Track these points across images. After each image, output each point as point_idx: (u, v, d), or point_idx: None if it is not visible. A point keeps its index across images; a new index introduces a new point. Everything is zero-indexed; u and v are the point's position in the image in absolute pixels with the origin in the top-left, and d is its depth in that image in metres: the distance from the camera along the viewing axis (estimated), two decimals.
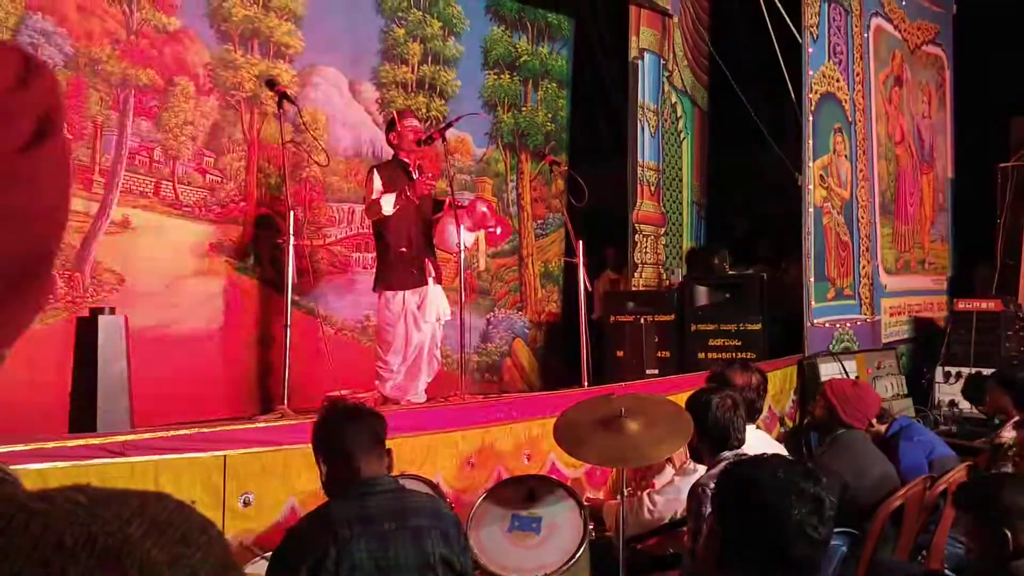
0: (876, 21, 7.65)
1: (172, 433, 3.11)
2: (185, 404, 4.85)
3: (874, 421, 4.32)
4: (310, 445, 3.23)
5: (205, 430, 3.23)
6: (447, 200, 4.81)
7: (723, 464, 2.80)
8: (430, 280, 4.84)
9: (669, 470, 4.57)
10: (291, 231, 4.12)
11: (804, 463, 1.74)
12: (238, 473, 3.17)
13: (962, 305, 6.87)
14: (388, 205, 4.58)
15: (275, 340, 5.07)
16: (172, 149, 5.05)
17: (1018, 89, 7.90)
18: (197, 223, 5.16)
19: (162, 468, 2.99)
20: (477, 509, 3.09)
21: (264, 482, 3.24)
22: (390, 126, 4.93)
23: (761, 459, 1.84)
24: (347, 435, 2.31)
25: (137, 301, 4.77)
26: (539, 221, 7.33)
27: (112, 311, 3.59)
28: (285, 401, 3.98)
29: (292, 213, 4.17)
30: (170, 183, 5.04)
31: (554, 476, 4.21)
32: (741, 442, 2.94)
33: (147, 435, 3.04)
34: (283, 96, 4.27)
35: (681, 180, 7.51)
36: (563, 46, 7.54)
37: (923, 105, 8.43)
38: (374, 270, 4.97)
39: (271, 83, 4.38)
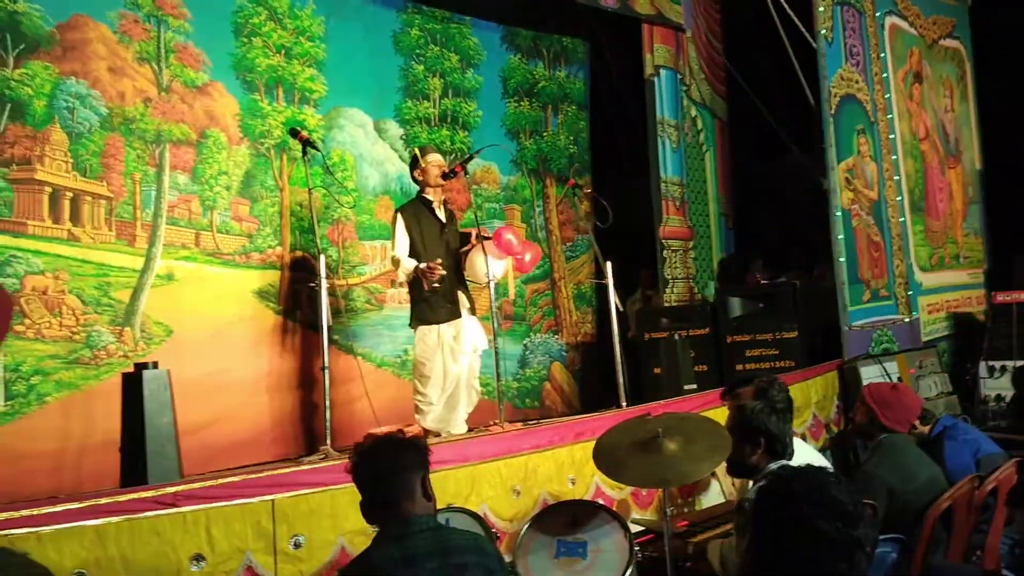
0: (890, 19, 7.64)
1: (221, 481, 3.18)
2: (233, 450, 4.97)
3: (917, 423, 4.28)
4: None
5: (252, 476, 3.30)
6: (474, 232, 4.89)
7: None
8: (464, 312, 4.91)
9: (715, 486, 4.58)
10: (322, 274, 4.21)
11: (838, 476, 1.73)
12: (287, 516, 3.23)
13: (1001, 297, 6.79)
14: (402, 274, 4.75)
15: (317, 381, 5.17)
16: (209, 200, 5.20)
17: None
18: (238, 270, 5.30)
19: (213, 516, 3.05)
20: (523, 538, 3.13)
21: (313, 523, 3.29)
22: (413, 163, 5.02)
23: (796, 473, 1.82)
24: (380, 468, 2.34)
25: (185, 351, 4.90)
26: (568, 244, 7.38)
27: (155, 365, 3.70)
28: (328, 441, 4.05)
29: (322, 256, 4.27)
30: (209, 233, 5.19)
31: (599, 499, 4.24)
32: (790, 456, 2.93)
33: (196, 485, 3.11)
34: (306, 143, 4.39)
35: (706, 193, 7.53)
36: (579, 69, 7.63)
37: (945, 99, 8.37)
38: (408, 305, 5.05)
39: (294, 132, 4.51)
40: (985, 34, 8.67)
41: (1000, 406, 6.25)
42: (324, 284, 4.23)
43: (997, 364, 6.45)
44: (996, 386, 6.41)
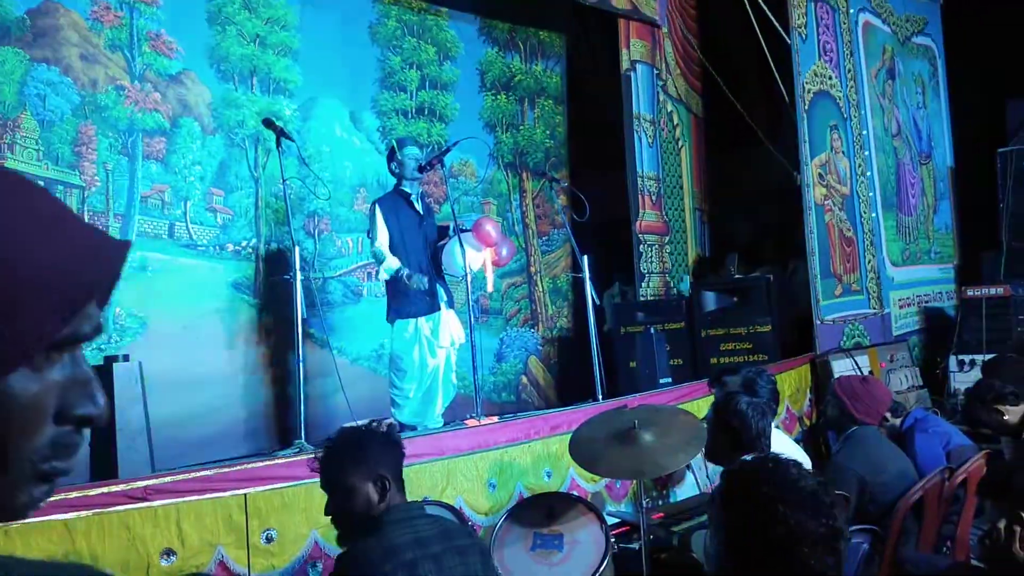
0: (864, 16, 7.70)
1: (192, 475, 3.15)
2: (207, 444, 4.92)
3: (888, 415, 4.33)
4: None
5: (225, 470, 3.27)
6: (451, 225, 4.88)
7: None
8: (442, 305, 4.90)
9: (690, 478, 4.61)
10: (297, 267, 4.17)
11: (800, 466, 1.72)
12: (260, 510, 3.21)
13: (971, 292, 6.88)
14: (386, 272, 4.75)
15: (292, 375, 5.12)
16: (182, 190, 5.14)
17: (1012, 72, 7.93)
18: (212, 262, 5.24)
19: (184, 510, 3.03)
20: (499, 530, 3.13)
21: (286, 517, 3.28)
22: (391, 156, 5.01)
23: (772, 475, 1.77)
24: (381, 458, 2.29)
25: (159, 344, 4.85)
26: (544, 238, 7.38)
27: (127, 358, 3.65)
28: (303, 435, 4.02)
29: (297, 248, 4.24)
30: (183, 223, 5.13)
31: (575, 491, 4.25)
32: (767, 449, 2.95)
33: (168, 479, 3.08)
34: (280, 134, 4.35)
35: (682, 188, 7.56)
36: (556, 63, 7.62)
37: (917, 96, 8.47)
38: (385, 298, 5.03)
39: (268, 122, 4.46)
40: (956, 32, 8.77)
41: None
42: (299, 277, 4.19)
43: (967, 358, 6.54)
44: (966, 379, 6.48)
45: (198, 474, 3.20)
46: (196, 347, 5.08)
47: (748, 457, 2.87)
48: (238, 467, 3.36)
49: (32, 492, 0.68)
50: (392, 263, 4.74)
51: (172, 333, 4.98)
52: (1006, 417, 3.79)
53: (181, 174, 5.13)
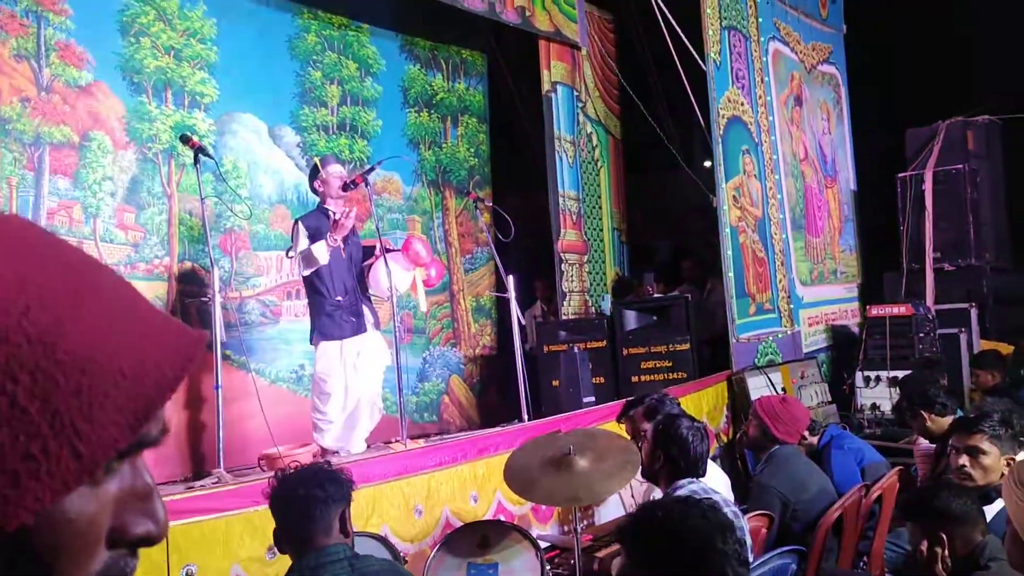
0: (774, 45, 7.99)
1: None
2: None
3: (806, 433, 4.47)
4: (251, 509, 3.19)
5: None
6: (377, 244, 4.79)
7: (679, 493, 2.85)
8: (369, 327, 4.81)
9: (615, 498, 4.63)
10: (216, 287, 4.03)
11: (722, 524, 1.74)
12: (179, 545, 3.07)
13: (875, 311, 7.17)
14: (323, 254, 4.54)
15: (206, 400, 4.94)
16: (91, 206, 4.91)
17: (910, 101, 8.37)
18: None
19: None
20: (432, 561, 3.07)
21: (206, 552, 3.14)
22: (313, 173, 4.90)
23: (687, 511, 1.78)
24: (300, 500, 2.28)
25: None
26: (468, 256, 7.36)
27: None
28: (220, 464, 3.88)
29: (215, 268, 4.09)
30: (92, 241, 4.89)
31: (501, 515, 4.23)
32: (704, 473, 3.00)
33: None
34: (199, 151, 4.19)
35: (601, 208, 7.66)
36: (479, 82, 7.63)
37: (822, 122, 8.83)
38: (307, 319, 4.90)
39: (184, 138, 4.29)
40: (859, 62, 9.20)
41: (875, 414, 6.60)
42: (218, 298, 4.05)
43: (872, 374, 6.81)
44: (871, 395, 6.77)
45: None
46: None
47: (684, 481, 2.92)
48: None
49: None
50: (319, 245, 4.54)
51: None
52: (929, 424, 4.00)
53: (91, 190, 4.90)
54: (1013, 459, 2.88)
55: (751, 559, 1.93)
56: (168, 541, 3.02)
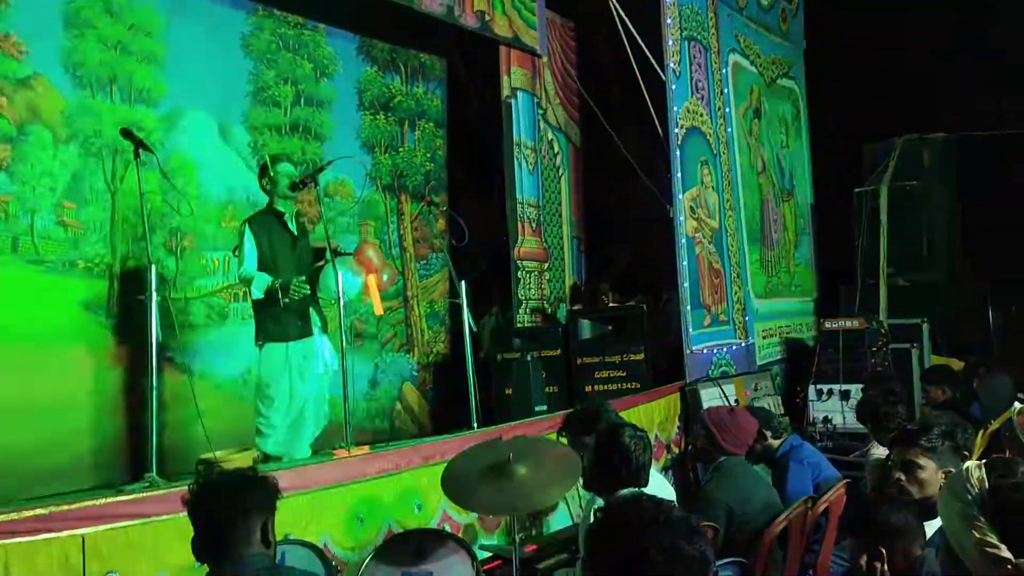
0: (733, 57, 8.03)
1: (25, 514, 2.86)
2: (50, 477, 4.54)
3: (768, 435, 4.44)
4: (181, 515, 3.07)
5: (63, 507, 2.99)
6: (328, 246, 4.69)
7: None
8: (316, 330, 4.71)
9: (562, 507, 4.57)
10: (152, 285, 3.90)
11: (686, 519, 1.68)
12: (100, 551, 2.95)
13: (828, 325, 7.20)
14: (258, 291, 4.50)
15: (145, 402, 4.79)
16: (29, 201, 4.75)
17: (867, 117, 8.46)
18: (61, 279, 4.85)
19: (12, 552, 2.75)
20: (364, 571, 2.98)
21: (131, 558, 3.03)
22: (262, 172, 4.80)
23: (641, 520, 1.69)
24: (218, 508, 2.19)
25: None
26: (422, 261, 7.27)
27: None
28: (154, 468, 3.75)
29: (153, 266, 3.96)
30: (29, 237, 4.73)
31: (446, 524, 4.14)
32: (646, 483, 2.94)
33: None
34: (139, 145, 4.06)
35: (561, 216, 7.62)
36: (437, 86, 7.56)
37: (781, 136, 8.89)
38: (253, 320, 4.79)
39: (126, 132, 4.16)
40: (818, 77, 9.29)
41: (828, 427, 6.62)
42: (154, 297, 3.92)
43: (824, 387, 6.84)
44: (824, 408, 6.79)
45: (30, 512, 2.91)
46: (39, 371, 4.68)
47: (626, 491, 2.86)
48: (77, 505, 3.07)
49: None
50: (261, 280, 4.51)
51: (12, 355, 4.57)
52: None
53: (29, 184, 4.74)
54: (951, 471, 2.86)
55: None
56: (85, 546, 2.90)
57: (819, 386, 6.88)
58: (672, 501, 1.78)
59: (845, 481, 4.07)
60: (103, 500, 3.14)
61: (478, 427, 5.01)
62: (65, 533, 2.89)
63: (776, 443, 4.49)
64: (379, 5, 6.08)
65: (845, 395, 6.61)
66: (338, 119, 6.61)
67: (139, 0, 5.34)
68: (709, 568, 1.63)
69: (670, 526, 1.64)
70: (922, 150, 8.37)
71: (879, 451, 4.18)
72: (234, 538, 2.17)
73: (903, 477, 2.93)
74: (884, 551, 2.52)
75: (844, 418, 6.57)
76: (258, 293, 4.52)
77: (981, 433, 4.72)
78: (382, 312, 5.30)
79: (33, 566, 2.79)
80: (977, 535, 1.84)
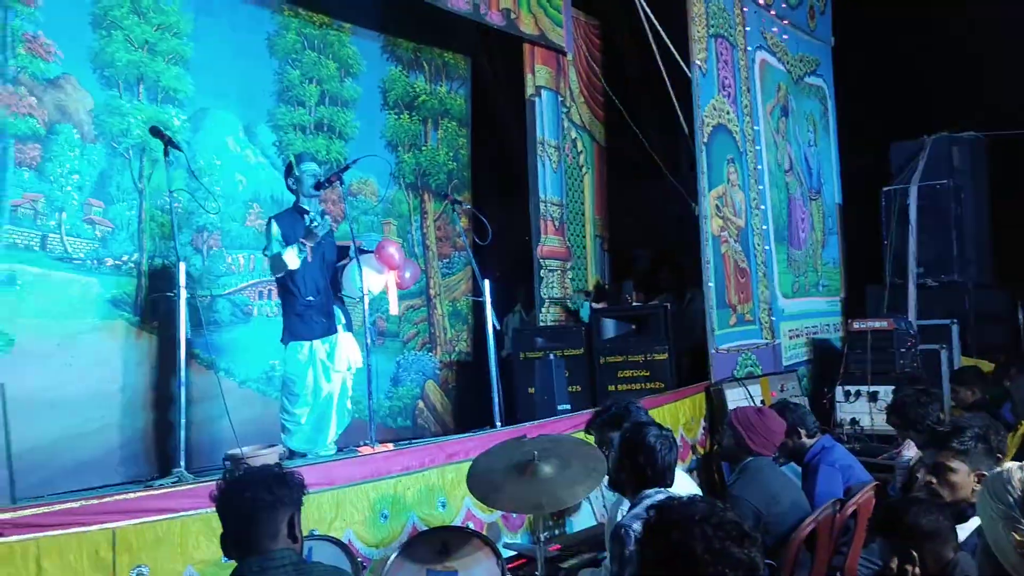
0: (760, 55, 7.96)
1: (55, 507, 2.89)
2: (79, 472, 4.60)
3: (803, 433, 4.37)
4: (208, 511, 3.09)
5: (92, 502, 3.02)
6: (351, 245, 4.71)
7: (646, 503, 2.77)
8: (340, 328, 4.73)
9: (586, 507, 4.55)
10: (181, 283, 3.93)
11: (738, 523, 1.68)
12: (130, 546, 2.98)
13: (857, 325, 7.10)
14: (293, 260, 4.48)
15: (173, 399, 4.84)
16: (57, 200, 4.81)
17: (895, 116, 8.35)
18: (89, 277, 4.91)
19: (44, 546, 2.78)
20: (390, 567, 2.98)
21: (159, 553, 3.05)
22: (288, 170, 4.82)
23: (691, 518, 1.71)
24: (246, 503, 2.19)
25: (27, 363, 4.51)
26: (445, 260, 7.28)
27: None
28: (182, 463, 3.77)
29: (182, 264, 3.99)
30: (58, 235, 4.79)
31: (470, 522, 4.14)
32: (671, 483, 2.92)
33: (26, 512, 2.82)
34: (168, 143, 4.10)
35: (584, 215, 7.60)
36: (461, 85, 7.57)
37: (808, 134, 8.80)
38: (280, 319, 4.82)
39: (155, 130, 4.20)
40: (846, 74, 9.19)
41: (855, 429, 6.53)
42: (183, 294, 3.95)
43: (852, 389, 6.74)
44: (851, 410, 6.70)
45: (61, 506, 2.95)
46: (69, 367, 4.75)
47: (652, 491, 2.84)
48: (107, 499, 3.10)
49: None
50: (291, 248, 4.51)
51: (43, 352, 4.64)
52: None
53: (57, 183, 4.80)
54: (984, 474, 2.81)
55: None
56: (115, 540, 2.92)
57: (846, 387, 6.79)
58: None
59: (875, 484, 4.01)
60: (133, 495, 3.17)
61: (501, 426, 5.00)
62: (96, 527, 2.92)
63: (809, 442, 4.42)
64: (404, 4, 6.10)
65: (873, 397, 6.52)
66: (362, 118, 6.63)
67: (166, 1, 5.39)
68: (758, 573, 1.62)
69: (721, 527, 1.65)
70: (952, 148, 8.24)
71: (910, 453, 4.11)
72: (261, 533, 2.18)
73: (934, 480, 2.89)
74: (915, 553, 2.48)
75: (872, 420, 6.48)
76: (295, 263, 4.51)
77: (1012, 434, 4.64)
78: (397, 311, 5.31)
79: (64, 559, 2.82)
80: (1018, 537, 1.81)
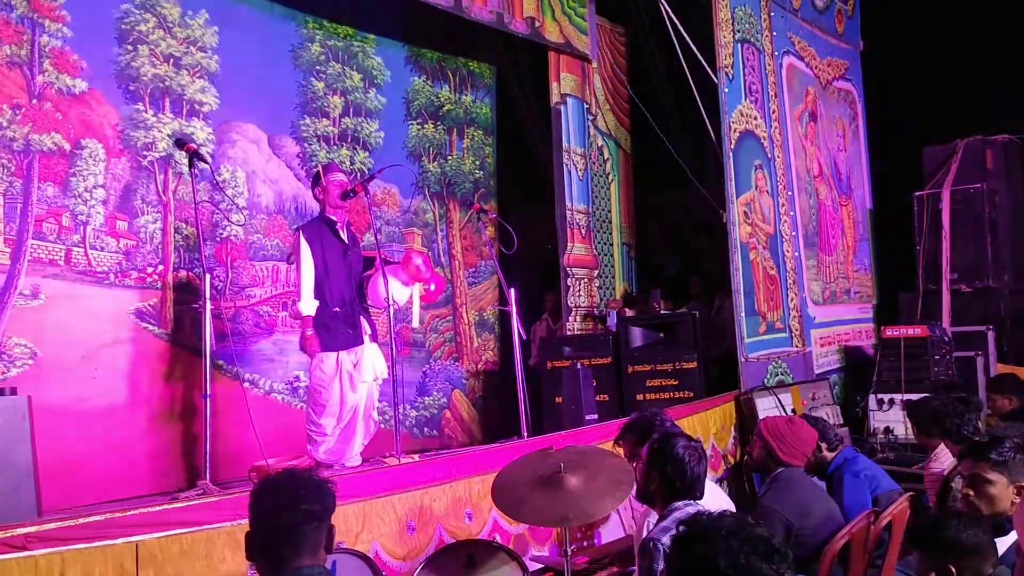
0: (788, 59, 7.87)
1: (79, 521, 2.88)
2: (104, 484, 4.61)
3: (824, 447, 4.29)
4: (234, 523, 3.07)
5: (116, 514, 3.00)
6: (377, 255, 4.70)
7: (675, 515, 2.70)
8: (366, 338, 4.71)
9: (615, 518, 4.48)
10: (207, 295, 3.94)
11: (766, 539, 1.62)
12: (155, 559, 2.95)
13: (890, 332, 6.97)
14: (307, 307, 4.53)
15: (199, 410, 4.85)
16: (82, 214, 4.84)
17: (927, 120, 8.21)
18: (113, 290, 4.94)
19: (69, 560, 2.76)
20: None
21: (184, 566, 3.02)
22: (315, 180, 4.83)
23: (718, 532, 1.68)
24: (300, 515, 2.11)
25: (51, 375, 4.55)
26: (471, 269, 7.26)
27: (14, 391, 3.36)
28: (207, 475, 3.76)
29: (207, 276, 4.00)
30: (81, 249, 4.83)
31: (497, 534, 4.09)
32: (702, 495, 2.85)
33: (51, 525, 2.80)
34: (193, 155, 4.11)
35: (611, 222, 7.54)
36: (486, 94, 7.56)
37: (838, 139, 8.68)
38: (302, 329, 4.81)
39: (180, 142, 4.23)
40: (876, 79, 9.06)
41: (888, 438, 6.40)
42: (208, 305, 3.95)
43: (885, 397, 6.61)
44: (884, 418, 6.56)
45: (86, 520, 2.93)
46: (94, 380, 4.77)
47: (681, 503, 2.77)
48: (132, 512, 3.09)
49: None
50: (309, 306, 4.54)
51: (67, 365, 4.67)
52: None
53: (81, 197, 4.84)
54: (1023, 487, 2.71)
55: None
56: (139, 553, 2.91)
57: (879, 396, 6.66)
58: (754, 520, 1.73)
59: (909, 494, 3.90)
60: (157, 507, 3.15)
61: (528, 436, 4.96)
62: (120, 540, 2.90)
63: (830, 456, 4.34)
64: (428, 14, 6.10)
65: (907, 405, 6.38)
66: (386, 129, 6.64)
67: (192, 15, 5.43)
68: None
69: (747, 542, 1.61)
70: (985, 152, 8.07)
71: (939, 464, 4.01)
72: (291, 548, 2.10)
73: (971, 492, 2.79)
74: (953, 569, 2.40)
75: (906, 428, 6.34)
76: (309, 309, 4.55)
77: None
78: (418, 324, 5.30)
79: (88, 573, 2.80)
80: None
